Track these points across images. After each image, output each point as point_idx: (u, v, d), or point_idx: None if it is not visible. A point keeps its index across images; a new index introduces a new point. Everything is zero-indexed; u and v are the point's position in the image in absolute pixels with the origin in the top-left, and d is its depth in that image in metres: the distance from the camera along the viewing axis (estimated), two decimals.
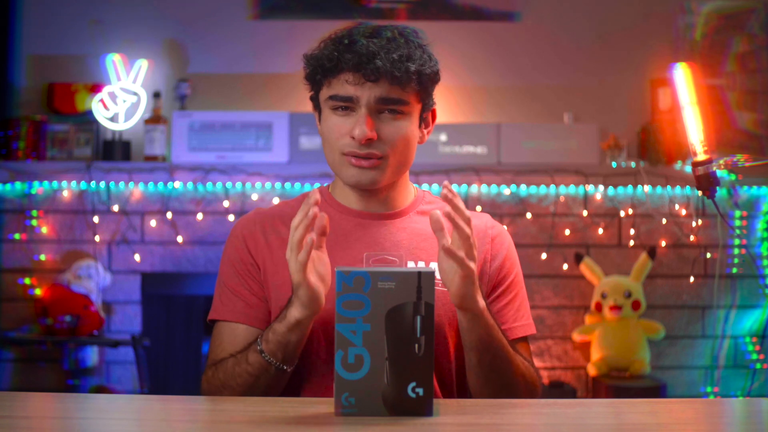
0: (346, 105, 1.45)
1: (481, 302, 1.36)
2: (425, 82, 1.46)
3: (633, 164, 3.57)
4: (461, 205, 1.29)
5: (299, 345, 1.37)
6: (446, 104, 3.65)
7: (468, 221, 1.29)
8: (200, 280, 3.55)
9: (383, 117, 1.45)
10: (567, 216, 3.58)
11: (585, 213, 3.57)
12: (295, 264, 1.29)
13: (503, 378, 1.42)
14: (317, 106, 1.53)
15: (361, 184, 1.48)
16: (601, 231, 3.58)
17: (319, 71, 1.46)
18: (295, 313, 1.33)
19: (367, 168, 1.46)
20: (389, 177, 1.49)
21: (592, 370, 3.49)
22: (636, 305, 3.47)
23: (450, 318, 1.48)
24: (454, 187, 3.48)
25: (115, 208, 3.50)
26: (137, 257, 3.52)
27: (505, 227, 1.61)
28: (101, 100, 3.53)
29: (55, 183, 3.49)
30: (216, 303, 1.52)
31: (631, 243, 3.58)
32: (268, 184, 3.49)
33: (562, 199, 3.57)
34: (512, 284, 1.55)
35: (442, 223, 1.29)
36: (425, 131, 1.54)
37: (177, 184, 3.49)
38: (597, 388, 3.48)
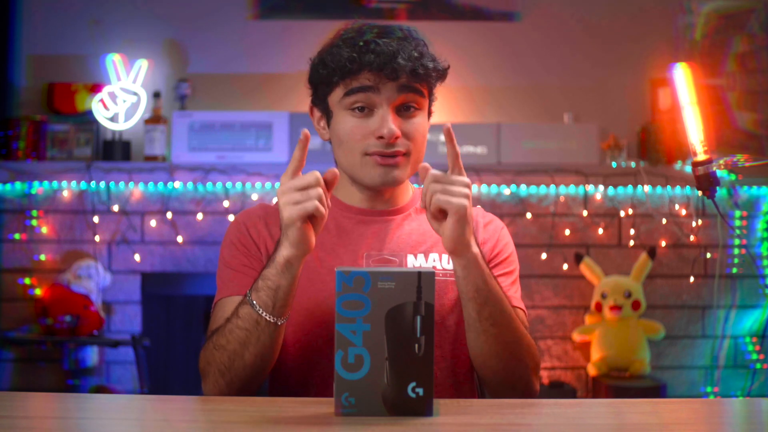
0: (363, 104, 1.44)
1: (475, 248, 1.35)
2: (439, 77, 1.49)
3: (633, 164, 3.57)
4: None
5: (290, 293, 1.34)
6: (446, 104, 3.65)
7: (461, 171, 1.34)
8: (200, 280, 3.55)
9: (402, 114, 1.46)
10: (567, 216, 3.58)
11: (585, 213, 3.57)
12: (296, 206, 1.28)
13: (505, 334, 1.39)
14: (324, 110, 1.51)
15: (387, 183, 1.48)
16: (601, 231, 3.58)
17: (338, 73, 1.44)
18: (284, 252, 1.32)
19: (393, 165, 1.46)
20: (409, 173, 1.50)
21: (592, 370, 3.49)
22: (636, 305, 3.47)
23: (454, 306, 1.48)
24: None
25: (115, 208, 3.50)
26: (137, 257, 3.52)
27: (497, 219, 1.62)
28: (101, 100, 3.53)
29: (55, 183, 3.49)
30: (218, 288, 1.51)
31: (631, 243, 3.58)
32: (268, 184, 3.49)
33: (562, 199, 3.57)
34: (505, 261, 1.55)
35: (452, 133, 1.34)
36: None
37: (177, 184, 3.49)
38: (597, 388, 3.48)
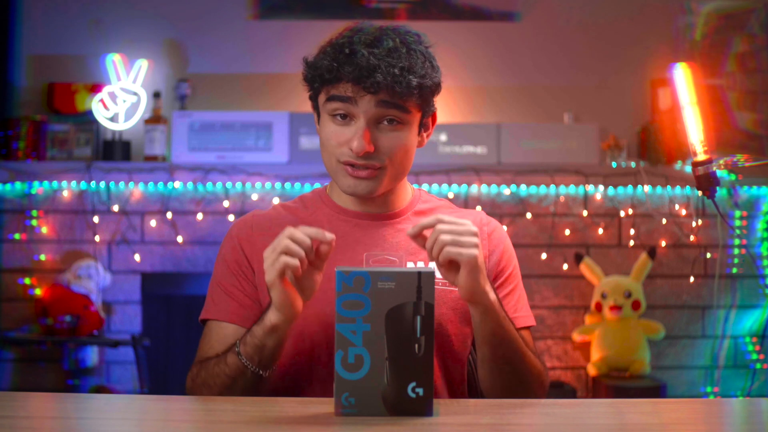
0: (345, 113, 1.43)
1: (492, 295, 1.36)
2: (426, 94, 1.45)
3: (633, 164, 3.57)
4: (446, 218, 1.31)
5: (276, 351, 1.36)
6: (446, 104, 3.65)
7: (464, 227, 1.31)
8: (200, 280, 3.55)
9: (382, 127, 1.43)
10: (567, 216, 3.58)
11: (585, 213, 3.57)
12: (271, 268, 1.27)
13: (516, 371, 1.42)
14: (316, 108, 1.52)
15: (357, 193, 1.47)
16: (601, 231, 3.58)
17: (318, 80, 1.44)
18: (271, 317, 1.32)
19: (364, 178, 1.44)
20: (386, 186, 1.48)
21: (592, 370, 3.49)
22: (636, 305, 3.47)
23: (451, 316, 1.48)
24: (454, 187, 3.50)
25: (115, 208, 3.50)
26: (137, 257, 3.52)
27: (498, 223, 1.61)
28: (101, 100, 3.53)
29: (55, 183, 3.49)
30: (208, 302, 1.51)
31: (631, 243, 3.58)
32: (268, 184, 3.49)
33: (562, 199, 3.57)
34: (510, 276, 1.56)
35: (417, 233, 1.31)
36: (425, 135, 1.53)
37: (177, 184, 3.49)
38: (597, 388, 3.48)
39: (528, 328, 1.55)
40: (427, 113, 1.50)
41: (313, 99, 1.51)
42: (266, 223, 1.53)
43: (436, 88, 1.46)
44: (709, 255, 3.60)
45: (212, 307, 1.50)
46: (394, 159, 1.45)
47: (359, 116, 1.42)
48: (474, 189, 3.52)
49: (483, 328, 1.37)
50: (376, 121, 1.43)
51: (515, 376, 1.42)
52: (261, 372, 1.36)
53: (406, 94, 1.40)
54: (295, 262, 1.26)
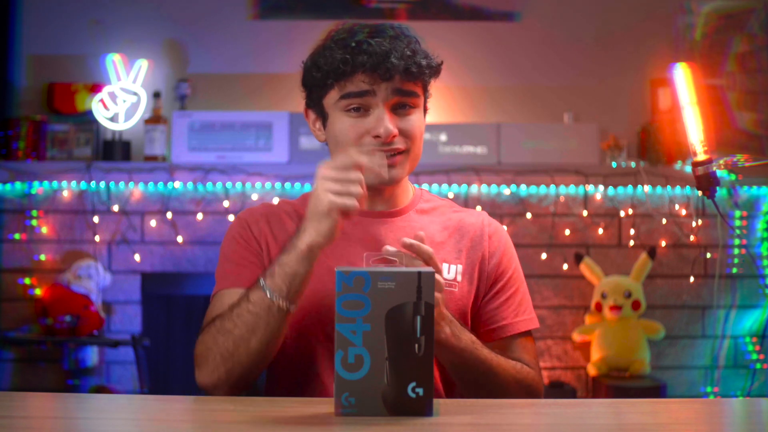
0: (359, 105, 1.45)
1: (444, 332, 1.36)
2: (432, 75, 1.49)
3: (633, 164, 3.57)
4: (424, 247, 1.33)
5: (305, 281, 1.35)
6: (446, 104, 3.64)
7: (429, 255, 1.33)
8: (200, 280, 3.55)
9: (398, 112, 1.46)
10: (567, 216, 3.58)
11: (585, 213, 3.57)
12: (337, 198, 1.29)
13: (492, 389, 1.43)
14: (320, 112, 1.51)
15: (384, 182, 1.48)
16: (601, 231, 3.58)
17: (332, 76, 1.44)
18: (307, 238, 1.32)
19: (390, 165, 1.46)
20: (408, 170, 1.51)
21: (592, 370, 3.49)
22: (636, 305, 3.47)
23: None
24: (454, 187, 3.50)
25: (115, 208, 3.50)
26: (137, 257, 3.52)
27: (500, 225, 1.61)
28: (101, 100, 3.53)
29: (55, 183, 3.49)
30: (218, 279, 1.51)
31: (631, 243, 3.58)
32: (268, 184, 3.49)
33: (562, 199, 3.57)
34: (511, 280, 1.55)
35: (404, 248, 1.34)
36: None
37: (177, 184, 3.49)
38: (597, 388, 3.48)
39: (529, 332, 1.55)
40: (427, 98, 1.54)
41: (315, 104, 1.51)
42: (276, 214, 1.54)
43: (439, 69, 1.50)
44: (709, 255, 3.60)
45: (221, 281, 1.49)
46: (414, 142, 1.48)
47: (377, 105, 1.45)
48: (474, 189, 3.52)
49: (440, 358, 1.41)
50: (392, 107, 1.46)
51: (492, 394, 1.43)
52: (288, 306, 1.34)
53: (419, 75, 1.45)
54: (356, 205, 1.31)
